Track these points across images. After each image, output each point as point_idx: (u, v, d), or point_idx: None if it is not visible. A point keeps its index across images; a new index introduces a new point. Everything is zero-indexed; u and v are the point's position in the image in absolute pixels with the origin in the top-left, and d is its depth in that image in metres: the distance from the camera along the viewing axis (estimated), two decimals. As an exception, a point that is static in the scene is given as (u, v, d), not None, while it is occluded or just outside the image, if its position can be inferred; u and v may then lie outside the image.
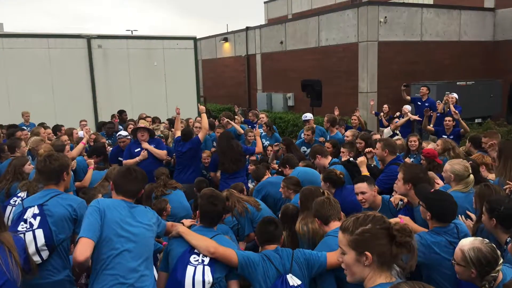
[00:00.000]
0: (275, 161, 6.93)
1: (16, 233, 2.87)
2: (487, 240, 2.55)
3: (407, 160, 5.98)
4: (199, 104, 10.37)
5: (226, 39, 22.48)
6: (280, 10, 24.37)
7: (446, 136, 6.99)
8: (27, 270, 2.74)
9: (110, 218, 2.73)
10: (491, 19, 16.27)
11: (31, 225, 2.97)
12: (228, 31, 23.39)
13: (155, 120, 9.92)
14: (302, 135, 7.81)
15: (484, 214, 3.01)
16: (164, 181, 5.33)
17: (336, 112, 9.26)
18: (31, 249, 2.90)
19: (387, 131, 8.67)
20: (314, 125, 8.22)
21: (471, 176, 3.86)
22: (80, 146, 6.30)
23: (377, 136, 7.02)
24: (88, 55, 12.72)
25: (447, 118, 7.62)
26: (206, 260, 2.79)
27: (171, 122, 9.35)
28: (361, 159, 4.94)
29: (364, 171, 4.76)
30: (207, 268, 2.76)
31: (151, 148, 6.52)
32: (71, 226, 3.08)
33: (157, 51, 13.81)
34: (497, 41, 16.22)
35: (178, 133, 6.98)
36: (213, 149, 7.49)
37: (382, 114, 10.41)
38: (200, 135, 6.77)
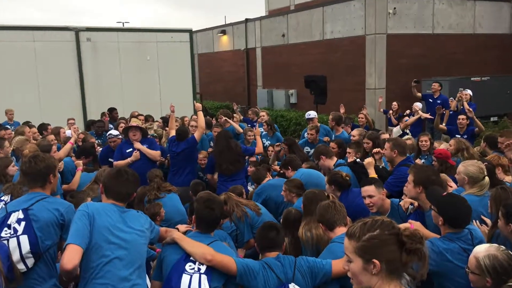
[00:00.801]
0: (276, 162, 6.93)
1: (-1, 240, 2.88)
2: (503, 247, 2.55)
3: (418, 161, 5.98)
4: (195, 102, 10.38)
5: (224, 32, 22.48)
6: (281, 1, 24.33)
7: (459, 136, 7.00)
8: (11, 279, 2.74)
9: (100, 224, 2.73)
10: (508, 11, 16.27)
11: (15, 230, 2.96)
12: (226, 23, 23.41)
13: (148, 118, 9.93)
14: (306, 135, 7.81)
15: (500, 219, 3.01)
16: (158, 184, 5.34)
17: (342, 110, 9.27)
18: (15, 256, 2.90)
19: (396, 130, 8.68)
20: (318, 124, 8.22)
21: (486, 178, 3.86)
22: (68, 146, 6.31)
23: (386, 136, 7.03)
24: (76, 49, 12.71)
25: (461, 116, 7.63)
26: (203, 268, 2.79)
27: (165, 121, 9.35)
28: (369, 160, 4.94)
29: (372, 173, 4.77)
30: (204, 277, 2.76)
31: (144, 148, 6.52)
32: (58, 231, 3.08)
33: (150, 45, 13.81)
34: (514, 34, 16.23)
35: (173, 132, 6.98)
36: (210, 150, 7.50)
37: (391, 112, 10.42)
38: (196, 135, 6.78)
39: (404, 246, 1.77)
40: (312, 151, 6.85)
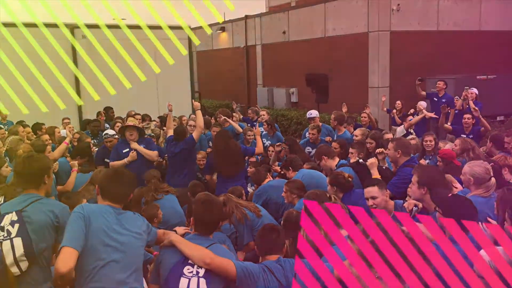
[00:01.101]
0: (277, 163, 6.93)
1: (-8, 242, 2.88)
2: (510, 250, 2.55)
3: (422, 161, 5.98)
4: (193, 100, 10.36)
5: (223, 29, 22.48)
6: (282, -3, 24.39)
7: (465, 136, 6.99)
8: (5, 282, 2.74)
9: (96, 226, 2.73)
10: (515, 7, 16.28)
11: (9, 233, 2.97)
12: (225, 20, 23.41)
13: (145, 117, 9.91)
14: (307, 134, 7.82)
15: (507, 221, 3.01)
16: (155, 185, 5.33)
17: (344, 109, 9.27)
18: (9, 259, 2.90)
19: (400, 130, 8.68)
20: (320, 123, 8.23)
21: (493, 179, 3.86)
22: (63, 146, 6.31)
23: (389, 136, 7.02)
24: (71, 46, 12.72)
25: (466, 116, 7.63)
26: (201, 271, 2.79)
27: (163, 120, 9.35)
28: (372, 161, 4.94)
29: (375, 174, 4.77)
30: (202, 281, 2.76)
31: (141, 148, 6.53)
32: (52, 234, 3.08)
33: (148, 42, 13.81)
34: (521, 31, 16.22)
35: (171, 132, 6.98)
36: (209, 150, 7.50)
37: (394, 111, 10.41)
38: (195, 134, 6.78)
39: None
40: (313, 151, 6.85)
